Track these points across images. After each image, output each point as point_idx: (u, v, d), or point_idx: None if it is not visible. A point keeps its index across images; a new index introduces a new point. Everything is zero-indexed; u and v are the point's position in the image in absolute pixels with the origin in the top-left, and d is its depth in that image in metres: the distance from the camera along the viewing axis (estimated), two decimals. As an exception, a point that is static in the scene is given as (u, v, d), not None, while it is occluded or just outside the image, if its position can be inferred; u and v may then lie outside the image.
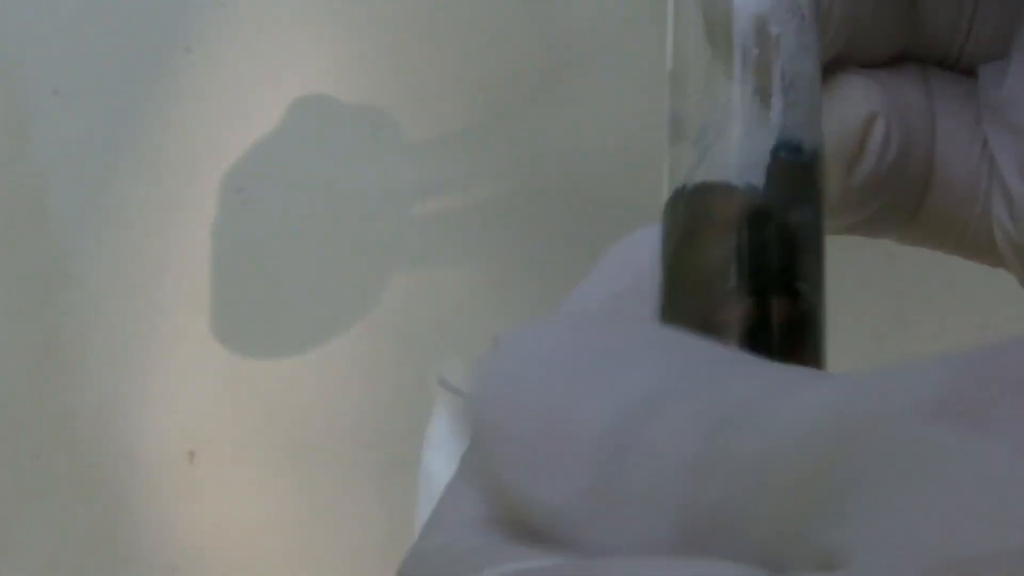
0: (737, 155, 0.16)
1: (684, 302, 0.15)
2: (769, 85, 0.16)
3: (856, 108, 0.18)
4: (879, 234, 0.20)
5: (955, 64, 0.20)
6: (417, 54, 0.60)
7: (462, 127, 0.58)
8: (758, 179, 0.16)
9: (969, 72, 0.20)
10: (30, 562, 0.60)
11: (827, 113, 0.18)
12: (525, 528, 0.11)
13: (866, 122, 0.18)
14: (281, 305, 0.61)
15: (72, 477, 0.60)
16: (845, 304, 0.59)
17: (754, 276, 0.15)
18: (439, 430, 0.51)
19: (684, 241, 0.16)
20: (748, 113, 0.16)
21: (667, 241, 0.16)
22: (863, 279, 0.56)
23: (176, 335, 0.60)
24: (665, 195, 0.16)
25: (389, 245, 0.60)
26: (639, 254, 0.15)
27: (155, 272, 0.60)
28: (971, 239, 0.19)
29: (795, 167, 0.16)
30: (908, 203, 0.19)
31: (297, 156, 0.60)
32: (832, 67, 0.19)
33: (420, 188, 0.59)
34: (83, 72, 0.59)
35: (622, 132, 0.58)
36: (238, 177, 0.60)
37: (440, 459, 0.50)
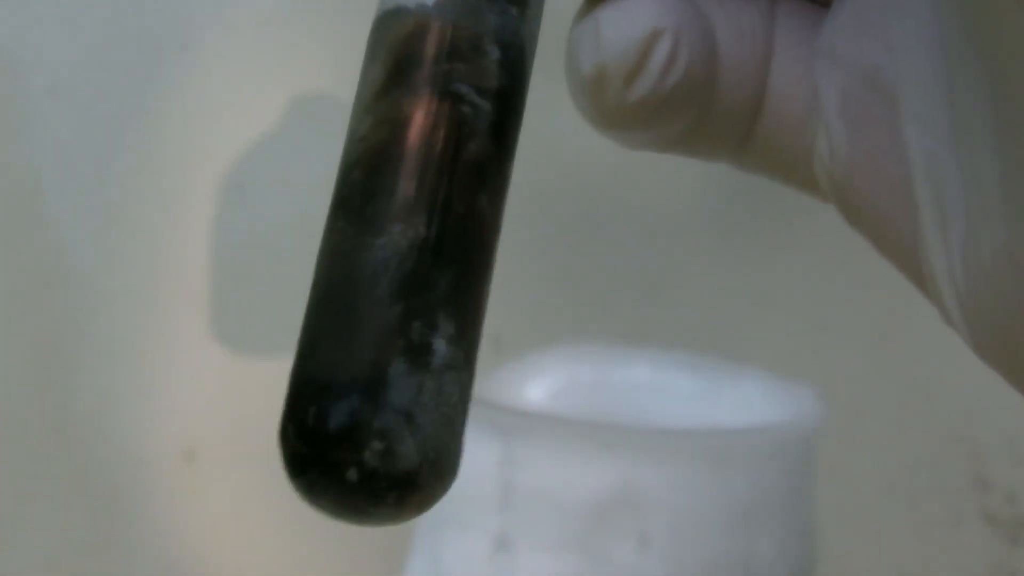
0: None
1: (350, 123, 0.15)
2: None
3: (639, 21, 0.18)
4: (705, 156, 0.20)
5: None
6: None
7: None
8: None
9: (828, 4, 0.19)
10: (28, 562, 0.60)
11: (612, 25, 0.18)
12: None
13: (649, 37, 0.18)
14: (281, 304, 0.61)
15: (70, 477, 0.60)
16: (845, 304, 0.59)
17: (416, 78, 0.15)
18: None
19: (363, 74, 0.16)
20: None
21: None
22: (863, 279, 0.56)
23: (175, 334, 0.60)
24: None
25: (389, 245, 0.60)
26: None
27: (154, 271, 0.60)
28: (802, 172, 0.19)
29: None
30: (735, 128, 0.19)
31: (297, 155, 0.60)
32: None
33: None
34: (80, 69, 0.59)
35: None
36: (237, 175, 0.59)
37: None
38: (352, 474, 0.14)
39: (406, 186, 0.15)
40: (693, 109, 0.18)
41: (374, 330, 0.14)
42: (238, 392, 0.60)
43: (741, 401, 0.51)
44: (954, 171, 0.17)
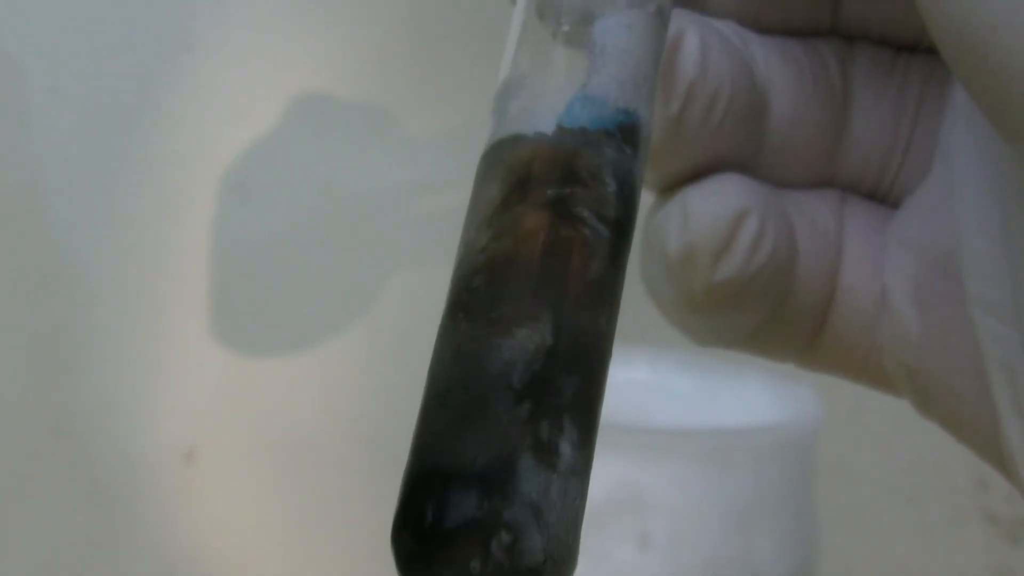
0: (531, 111, 0.16)
1: (465, 237, 0.15)
2: (578, 53, 0.16)
3: (728, 201, 0.18)
4: (775, 355, 0.20)
5: (885, 198, 0.20)
6: (417, 53, 0.60)
7: (462, 127, 0.58)
8: (548, 127, 0.16)
9: (897, 206, 0.19)
10: (28, 562, 0.60)
11: (700, 206, 0.18)
12: None
13: (737, 216, 0.18)
14: (281, 305, 0.61)
15: (70, 477, 0.59)
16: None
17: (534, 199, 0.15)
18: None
19: (473, 194, 0.16)
20: (551, 75, 0.16)
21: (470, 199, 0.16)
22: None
23: (175, 334, 0.60)
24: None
25: (389, 245, 0.60)
26: None
27: (153, 271, 0.60)
28: (872, 370, 0.19)
29: (592, 120, 0.16)
30: (807, 323, 0.19)
31: (297, 155, 0.60)
32: (720, 168, 0.18)
33: (420, 188, 0.59)
34: (81, 69, 0.59)
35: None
36: (237, 176, 0.59)
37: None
38: (475, 566, 0.13)
39: (534, 295, 0.14)
40: (773, 298, 0.18)
41: (503, 424, 0.14)
42: (238, 392, 0.60)
43: (741, 401, 0.51)
44: (1022, 350, 0.17)
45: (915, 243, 0.18)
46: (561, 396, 0.14)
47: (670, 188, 0.19)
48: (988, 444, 0.18)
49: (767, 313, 0.19)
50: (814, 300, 0.19)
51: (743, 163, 0.19)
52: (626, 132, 0.16)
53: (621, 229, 0.15)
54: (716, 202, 0.18)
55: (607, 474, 0.44)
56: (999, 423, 0.17)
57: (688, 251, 0.18)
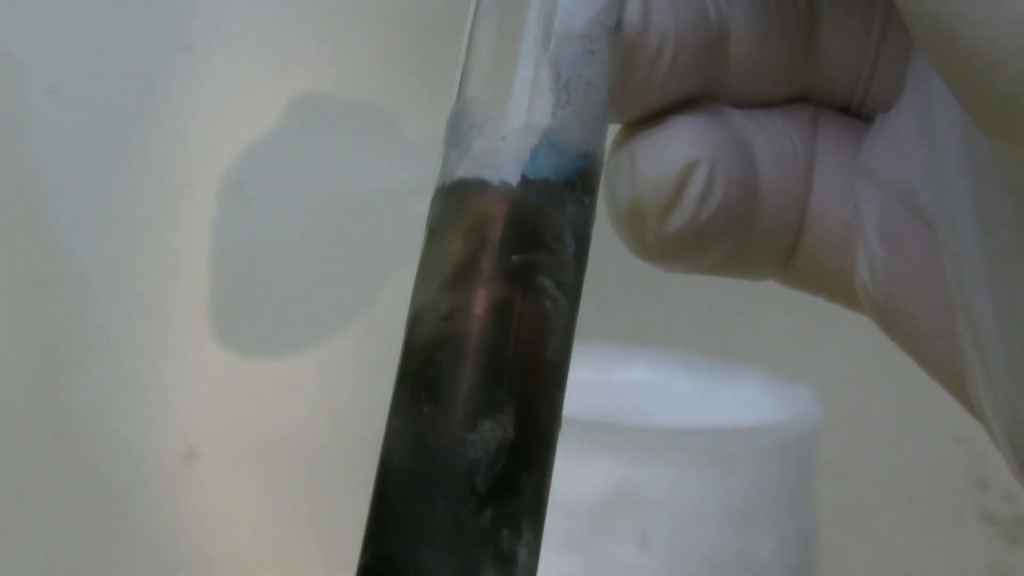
0: (495, 152, 0.16)
1: (425, 292, 0.15)
2: (542, 85, 0.16)
3: (674, 154, 0.18)
4: (748, 276, 0.20)
5: (859, 111, 0.19)
6: (417, 53, 0.60)
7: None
8: (513, 177, 0.15)
9: (871, 120, 0.19)
10: (28, 562, 0.60)
11: (646, 160, 0.18)
12: None
13: (684, 168, 0.18)
14: (281, 305, 0.61)
15: (70, 477, 0.60)
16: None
17: (496, 267, 0.15)
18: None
19: (431, 235, 0.16)
20: (514, 111, 0.16)
21: (426, 238, 0.16)
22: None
23: (175, 334, 0.60)
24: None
25: (389, 245, 0.60)
26: None
27: (154, 271, 0.60)
28: (846, 290, 0.19)
29: (556, 169, 0.16)
30: (777, 248, 0.19)
31: (297, 155, 0.60)
32: (675, 107, 0.18)
33: (420, 188, 0.59)
34: (81, 70, 0.59)
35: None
36: (237, 176, 0.59)
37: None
38: None
39: (498, 383, 0.14)
40: (731, 238, 0.18)
41: (467, 538, 0.13)
42: (238, 392, 0.60)
43: (741, 401, 0.51)
44: (989, 307, 0.17)
45: (884, 176, 0.18)
46: (521, 498, 0.14)
47: (627, 128, 0.18)
48: (954, 380, 0.18)
49: (731, 246, 0.19)
50: (783, 225, 0.19)
51: (706, 91, 0.18)
52: (586, 179, 0.16)
53: (575, 294, 0.15)
54: (662, 156, 0.18)
55: (607, 474, 0.44)
56: (965, 370, 0.17)
57: (636, 206, 0.18)
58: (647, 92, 0.18)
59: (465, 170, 0.16)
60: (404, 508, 0.14)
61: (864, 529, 0.61)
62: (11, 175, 0.59)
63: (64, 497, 0.60)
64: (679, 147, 0.18)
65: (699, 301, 0.60)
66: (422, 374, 0.15)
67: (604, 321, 0.56)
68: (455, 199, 0.16)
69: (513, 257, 0.15)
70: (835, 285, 0.19)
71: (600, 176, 0.16)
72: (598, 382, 0.53)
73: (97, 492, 0.60)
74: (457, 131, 0.16)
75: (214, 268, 0.60)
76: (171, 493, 0.60)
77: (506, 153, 0.16)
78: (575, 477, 0.44)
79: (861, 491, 0.60)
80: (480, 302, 0.15)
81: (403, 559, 0.13)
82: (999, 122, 0.15)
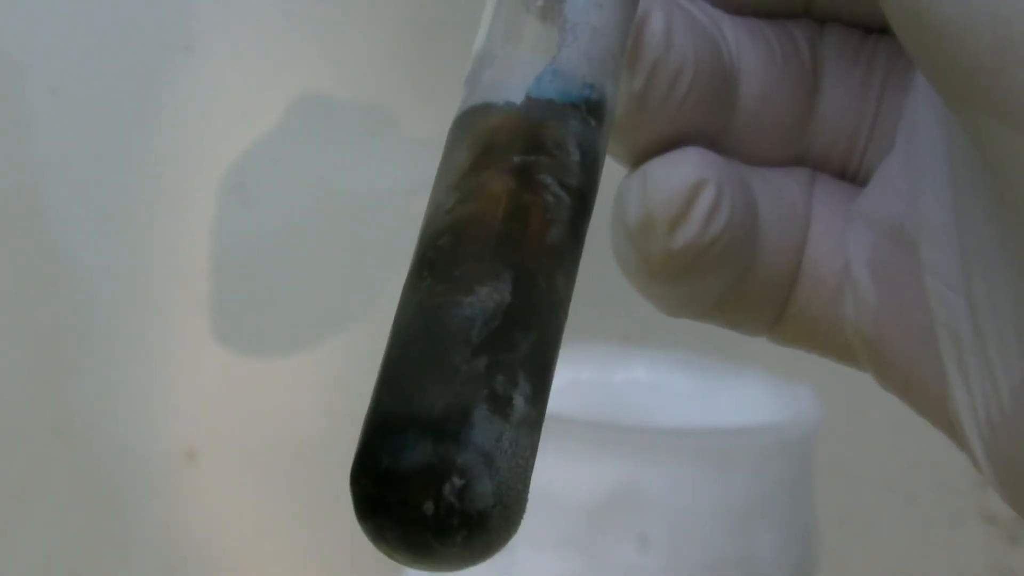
0: (502, 81, 0.17)
1: (433, 196, 0.16)
2: (549, 27, 0.17)
3: (686, 171, 0.19)
4: (743, 327, 0.20)
5: (854, 176, 0.20)
6: (417, 53, 0.60)
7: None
8: (517, 97, 0.17)
9: (865, 184, 0.20)
10: (28, 562, 0.60)
11: (659, 175, 0.19)
12: None
13: (694, 185, 0.18)
14: (281, 305, 0.61)
15: (71, 477, 0.60)
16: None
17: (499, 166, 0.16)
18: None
19: (443, 158, 0.17)
20: (522, 48, 0.17)
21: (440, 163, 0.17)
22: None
23: (175, 335, 0.60)
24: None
25: (389, 245, 0.60)
26: None
27: (154, 271, 0.60)
28: (838, 343, 0.20)
29: (560, 93, 0.17)
30: (773, 295, 0.20)
31: (297, 155, 0.60)
32: (686, 141, 0.19)
33: (420, 188, 0.59)
34: (82, 70, 0.59)
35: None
36: (237, 176, 0.59)
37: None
38: (428, 507, 0.14)
39: (495, 255, 0.15)
40: (734, 267, 0.19)
41: (460, 376, 0.14)
42: (238, 392, 0.60)
43: (741, 401, 0.51)
44: (967, 315, 0.17)
45: (874, 215, 0.19)
46: (517, 352, 0.15)
47: (638, 161, 0.19)
48: (939, 411, 0.18)
49: (730, 282, 0.19)
50: (779, 273, 0.19)
51: (711, 138, 0.19)
52: (592, 106, 0.17)
53: (582, 197, 0.16)
54: (675, 172, 0.19)
55: (607, 474, 0.44)
56: (947, 389, 0.18)
57: (646, 219, 0.19)
58: (664, 114, 0.19)
59: (474, 100, 0.17)
60: (404, 361, 0.15)
61: (864, 529, 0.61)
62: (11, 175, 0.59)
63: (64, 497, 0.60)
64: (690, 166, 0.19)
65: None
66: (426, 257, 0.16)
67: (604, 321, 0.56)
68: (463, 123, 0.17)
69: (515, 158, 0.16)
70: (827, 338, 0.20)
71: (609, 111, 0.17)
72: (598, 382, 0.53)
73: (97, 492, 0.60)
74: (472, 76, 0.17)
75: (214, 268, 0.60)
76: (171, 493, 0.60)
77: (512, 81, 0.17)
78: (575, 477, 0.44)
79: (861, 491, 0.60)
80: (481, 192, 0.16)
81: (403, 403, 0.14)
82: (970, 93, 0.15)
